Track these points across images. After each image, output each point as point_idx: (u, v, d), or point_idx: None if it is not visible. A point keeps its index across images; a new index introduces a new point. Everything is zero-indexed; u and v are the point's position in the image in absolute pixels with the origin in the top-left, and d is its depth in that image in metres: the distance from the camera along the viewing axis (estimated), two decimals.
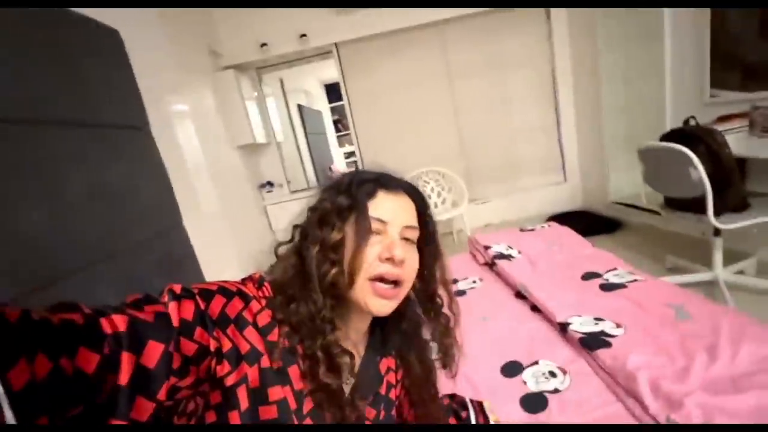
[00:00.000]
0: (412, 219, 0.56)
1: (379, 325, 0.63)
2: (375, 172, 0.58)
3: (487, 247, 1.64)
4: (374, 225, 0.52)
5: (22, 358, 0.26)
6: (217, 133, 2.72)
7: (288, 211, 3.26)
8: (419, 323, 0.64)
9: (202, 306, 0.41)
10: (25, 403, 0.26)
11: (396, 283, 0.53)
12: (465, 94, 3.37)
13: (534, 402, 0.88)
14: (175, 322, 0.38)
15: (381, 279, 0.52)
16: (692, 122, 1.82)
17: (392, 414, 0.64)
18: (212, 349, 0.41)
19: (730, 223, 1.62)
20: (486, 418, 0.77)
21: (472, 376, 0.99)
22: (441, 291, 0.63)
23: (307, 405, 0.49)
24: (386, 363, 0.64)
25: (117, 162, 1.31)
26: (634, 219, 2.89)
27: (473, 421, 0.77)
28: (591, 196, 3.38)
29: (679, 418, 0.70)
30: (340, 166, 5.43)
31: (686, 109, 2.19)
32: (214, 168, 2.40)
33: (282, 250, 0.59)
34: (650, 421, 0.74)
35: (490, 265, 1.60)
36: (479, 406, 0.80)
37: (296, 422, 0.47)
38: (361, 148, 3.49)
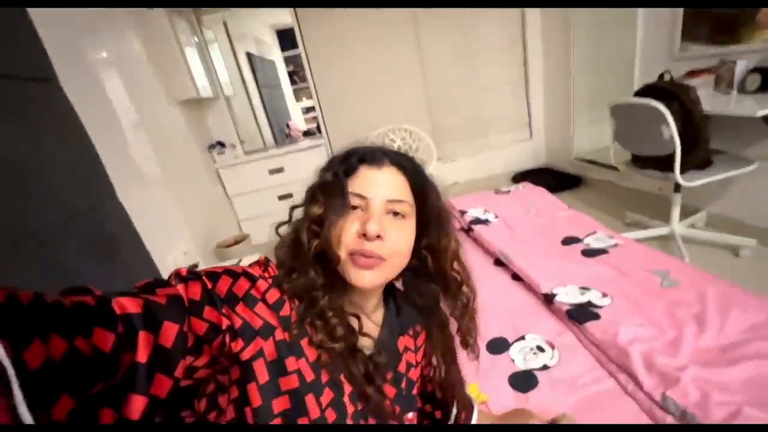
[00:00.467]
0: (398, 192, 0.53)
1: (394, 302, 0.62)
2: (369, 147, 0.56)
3: (462, 212, 1.56)
4: (355, 200, 0.51)
5: (36, 339, 0.27)
6: (153, 87, 2.33)
7: (244, 175, 2.98)
8: (436, 298, 0.63)
9: (209, 286, 0.43)
10: (42, 382, 0.27)
11: (378, 257, 0.51)
12: (432, 48, 3.14)
13: (523, 380, 0.84)
14: (185, 303, 0.39)
15: (361, 254, 0.51)
16: (667, 77, 1.79)
17: (413, 394, 0.63)
18: (223, 327, 0.42)
19: (694, 181, 1.65)
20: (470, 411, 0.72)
21: (457, 354, 0.93)
22: (457, 266, 0.60)
23: (324, 376, 0.50)
24: (404, 341, 0.63)
25: (18, 124, 1.04)
26: (595, 175, 2.95)
27: (453, 412, 0.71)
28: (555, 153, 3.40)
29: (675, 395, 0.68)
30: (298, 122, 5.06)
31: (656, 63, 2.16)
32: (151, 128, 2.07)
33: (282, 229, 0.58)
34: (644, 399, 0.72)
35: (467, 230, 1.54)
36: (465, 418, 0.73)
37: (315, 393, 0.48)
38: (321, 103, 3.21)
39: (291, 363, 0.47)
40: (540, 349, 0.91)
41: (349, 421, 0.50)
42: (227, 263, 2.08)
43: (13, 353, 0.25)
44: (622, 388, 0.77)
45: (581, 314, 0.92)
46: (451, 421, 0.72)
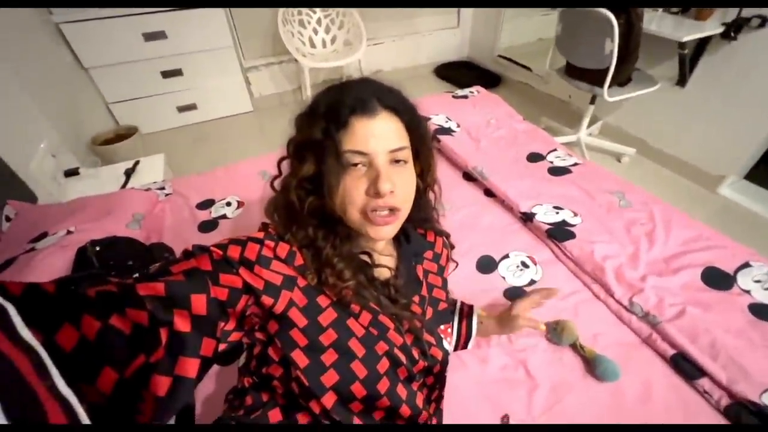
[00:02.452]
0: (398, 139, 0.52)
1: (402, 233, 0.63)
2: (352, 87, 0.53)
3: (426, 119, 1.46)
4: (355, 158, 0.50)
5: (66, 323, 0.29)
6: None
7: (106, 38, 2.13)
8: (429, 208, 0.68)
9: (219, 254, 0.45)
10: (81, 360, 0.29)
11: (392, 209, 0.52)
12: None
13: (515, 294, 0.94)
14: (202, 274, 0.42)
15: (374, 210, 0.51)
16: None
17: (440, 309, 0.67)
18: (240, 286, 0.44)
19: (614, 96, 1.84)
20: (469, 323, 0.79)
21: (451, 277, 0.97)
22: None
23: (355, 306, 0.52)
24: (422, 267, 0.67)
25: None
26: (514, 76, 3.05)
27: (455, 323, 0.79)
28: (478, 47, 3.33)
29: (640, 301, 0.86)
30: None
31: None
32: None
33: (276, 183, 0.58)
34: (614, 304, 0.89)
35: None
36: (468, 309, 0.81)
37: (354, 317, 0.52)
38: None
39: (323, 300, 0.50)
40: (524, 265, 1.01)
41: (390, 336, 0.53)
42: (118, 168, 1.62)
43: (45, 338, 0.26)
44: (596, 296, 0.93)
45: (560, 233, 1.02)
46: (458, 305, 0.81)
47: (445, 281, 0.71)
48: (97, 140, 1.92)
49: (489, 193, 1.24)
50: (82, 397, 0.27)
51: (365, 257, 0.57)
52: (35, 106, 1.54)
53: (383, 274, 0.59)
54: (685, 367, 0.76)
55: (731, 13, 1.65)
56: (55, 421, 0.24)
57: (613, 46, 1.65)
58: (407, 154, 0.53)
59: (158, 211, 1.21)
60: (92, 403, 0.28)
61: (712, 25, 1.69)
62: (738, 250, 0.94)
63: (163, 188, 1.32)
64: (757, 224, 1.77)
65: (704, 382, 0.74)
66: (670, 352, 0.78)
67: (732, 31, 1.64)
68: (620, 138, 2.26)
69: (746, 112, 1.74)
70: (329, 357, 0.49)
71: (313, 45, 2.71)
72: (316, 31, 2.69)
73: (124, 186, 1.53)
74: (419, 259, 0.67)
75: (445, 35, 3.27)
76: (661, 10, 1.89)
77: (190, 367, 0.36)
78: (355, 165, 0.50)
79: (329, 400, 0.49)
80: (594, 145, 2.24)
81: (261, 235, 0.50)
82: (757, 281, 0.87)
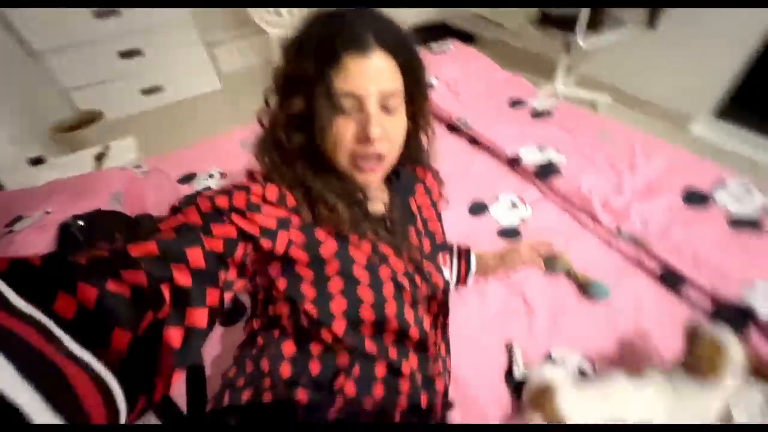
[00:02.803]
0: (391, 82, 0.49)
1: (392, 171, 0.61)
2: (346, 18, 0.48)
3: None
4: (346, 101, 0.48)
5: (60, 292, 0.27)
6: None
7: (53, 17, 1.97)
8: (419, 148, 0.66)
9: (207, 206, 0.43)
10: (84, 327, 0.27)
11: (379, 157, 0.52)
12: None
13: (509, 233, 0.97)
14: (193, 228, 0.41)
15: (363, 157, 0.51)
16: None
17: (437, 242, 0.67)
18: (235, 235, 0.43)
19: (589, 42, 1.85)
20: (467, 259, 0.82)
21: (444, 221, 0.99)
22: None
23: (354, 238, 0.52)
24: (416, 201, 0.67)
25: None
26: (487, 34, 3.01)
27: (454, 261, 0.81)
28: (448, 9, 3.25)
29: (626, 226, 0.89)
30: None
31: None
32: None
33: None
34: (603, 232, 0.92)
35: None
36: (465, 248, 0.83)
37: (354, 246, 0.52)
38: None
39: (321, 234, 0.50)
40: (514, 205, 1.03)
41: (392, 263, 0.54)
42: (86, 154, 1.54)
43: (42, 310, 0.25)
44: (585, 227, 0.96)
45: (546, 172, 1.05)
46: (455, 246, 0.83)
47: (439, 214, 0.72)
48: (60, 128, 1.81)
49: (474, 141, 1.24)
50: (98, 357, 0.26)
51: (358, 193, 0.56)
52: None
53: (377, 209, 0.59)
54: (670, 279, 0.81)
55: None
56: (78, 381, 0.24)
57: None
58: (398, 101, 0.52)
59: (138, 189, 1.16)
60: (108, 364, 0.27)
61: None
62: (713, 171, 0.98)
63: (140, 166, 1.27)
64: (728, 158, 1.85)
65: (690, 292, 0.78)
66: (658, 269, 0.83)
67: None
68: (596, 87, 2.29)
69: (716, 49, 1.78)
70: (335, 285, 0.49)
71: (279, 14, 2.59)
72: None
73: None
74: (411, 192, 0.68)
75: None
76: None
77: (199, 316, 0.36)
78: (346, 109, 0.48)
79: (339, 326, 0.49)
80: (571, 96, 2.26)
81: (246, 182, 0.49)
82: (733, 197, 0.92)
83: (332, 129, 0.49)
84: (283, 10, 2.59)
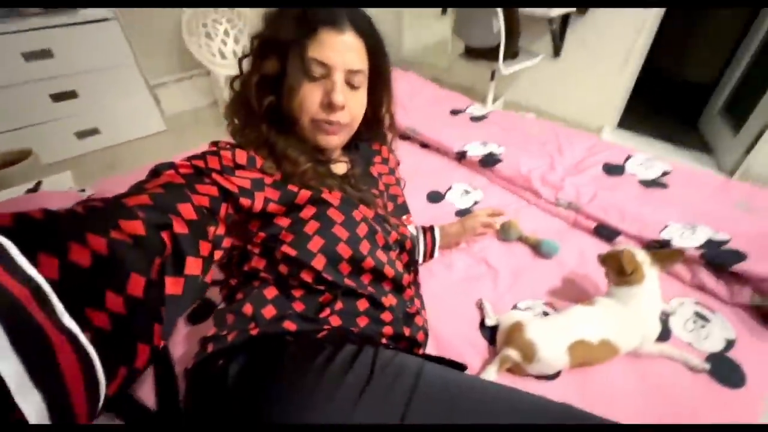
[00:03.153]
0: (358, 61, 0.54)
1: (350, 142, 0.65)
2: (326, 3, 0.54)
3: None
4: (316, 69, 0.52)
5: (72, 242, 0.27)
6: None
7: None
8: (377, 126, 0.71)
9: (187, 168, 0.45)
10: (104, 272, 0.28)
11: (340, 124, 0.56)
12: None
13: (464, 214, 1.05)
14: (180, 185, 0.42)
15: (326, 122, 0.55)
16: None
17: (399, 203, 0.73)
18: (217, 194, 0.45)
19: (509, 68, 2.14)
20: (432, 234, 0.88)
21: None
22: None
23: (325, 189, 0.55)
24: (376, 169, 0.71)
25: None
26: (421, 73, 3.32)
27: (421, 240, 0.87)
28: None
29: (562, 195, 1.02)
30: None
31: None
32: None
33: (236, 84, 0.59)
34: (544, 203, 1.04)
35: None
36: (430, 228, 0.90)
37: (327, 193, 0.54)
38: None
39: (294, 187, 0.52)
40: (467, 191, 1.13)
41: (362, 209, 0.57)
42: (16, 191, 1.42)
43: (59, 259, 0.25)
44: (528, 201, 1.08)
45: (489, 161, 1.17)
46: (421, 231, 0.87)
47: (398, 181, 0.77)
48: None
49: (424, 145, 1.36)
50: (88, 323, 0.26)
51: (319, 155, 0.59)
52: None
53: (340, 169, 0.63)
54: (604, 232, 0.93)
55: None
56: (63, 353, 0.24)
57: (500, 25, 1.94)
58: (362, 80, 0.56)
59: None
60: (99, 329, 0.27)
61: None
62: (622, 149, 1.18)
63: (83, 190, 1.20)
64: None
65: (621, 240, 0.90)
66: (592, 226, 0.95)
67: (581, 6, 2.03)
68: (520, 109, 2.61)
69: (606, 71, 2.16)
70: (311, 227, 0.51)
71: (223, 56, 2.68)
72: (225, 42, 2.67)
73: None
74: (370, 162, 0.72)
75: None
76: None
77: (196, 265, 0.37)
78: (316, 75, 0.52)
79: (319, 262, 0.51)
80: None
81: (214, 148, 0.50)
82: (640, 164, 1.10)
83: (300, 92, 0.52)
84: (228, 52, 2.69)
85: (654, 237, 0.86)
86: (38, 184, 1.50)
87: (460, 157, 1.23)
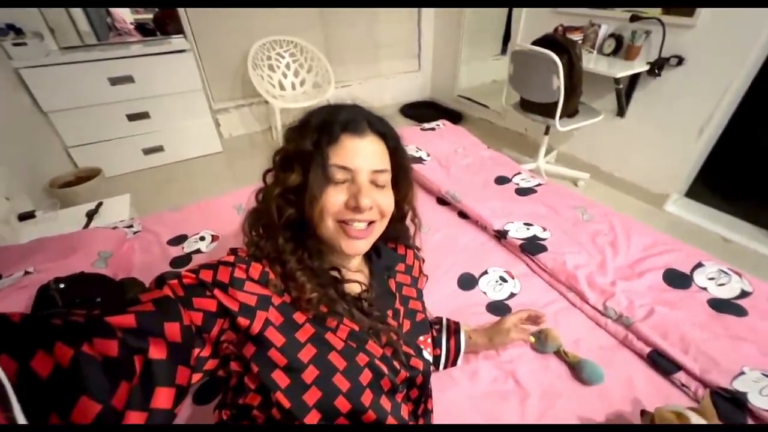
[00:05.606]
0: (381, 162, 0.55)
1: (372, 249, 0.63)
2: (345, 108, 0.56)
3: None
4: (339, 173, 0.52)
5: (39, 350, 0.28)
6: None
7: (65, 81, 2.11)
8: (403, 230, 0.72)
9: (191, 278, 0.45)
10: (56, 388, 0.28)
11: (369, 223, 0.55)
12: None
13: (497, 308, 0.97)
14: (174, 301, 0.41)
15: (351, 223, 0.54)
16: (560, 29, 2.01)
17: (417, 320, 0.67)
18: (215, 309, 0.44)
19: (565, 127, 2.02)
20: (457, 339, 0.80)
21: (434, 294, 0.99)
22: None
23: (332, 322, 0.52)
24: (395, 281, 0.68)
25: None
26: (474, 113, 3.28)
27: (443, 340, 0.80)
28: (439, 88, 3.58)
29: (612, 304, 0.91)
30: (122, 11, 3.75)
31: (539, 14, 2.40)
32: None
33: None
34: (590, 309, 0.93)
35: None
36: (455, 326, 0.82)
37: (332, 332, 0.51)
38: None
39: (299, 317, 0.50)
40: (503, 279, 1.04)
41: (369, 348, 0.53)
42: (78, 210, 1.54)
43: (19, 364, 0.26)
44: (572, 304, 0.97)
45: (532, 247, 1.08)
46: (444, 321, 0.82)
47: (419, 292, 0.72)
48: (56, 183, 1.83)
49: (463, 215, 1.29)
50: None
51: (334, 273, 0.57)
52: None
53: (353, 289, 0.60)
54: (661, 362, 0.80)
55: (653, 54, 1.91)
56: None
57: (560, 83, 1.84)
58: (387, 179, 0.57)
59: (126, 249, 1.15)
60: None
61: (639, 64, 1.94)
62: (691, 252, 1.03)
63: (131, 226, 1.27)
64: (701, 236, 1.94)
65: (680, 375, 0.77)
66: (646, 350, 0.82)
67: (656, 68, 1.88)
68: (575, 164, 2.45)
69: (678, 137, 1.97)
70: (310, 374, 0.47)
71: (282, 88, 2.80)
72: (285, 75, 2.80)
73: (86, 227, 1.45)
74: (391, 272, 0.69)
75: (408, 78, 3.50)
76: (596, 52, 2.14)
77: (165, 397, 0.36)
78: (339, 180, 0.53)
79: (312, 418, 0.47)
80: (552, 172, 2.41)
81: (232, 258, 0.50)
82: (711, 278, 0.95)
83: (322, 197, 0.52)
84: (287, 84, 2.81)
85: (723, 384, 0.72)
86: (99, 204, 1.62)
87: (500, 236, 1.15)
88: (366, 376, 0.51)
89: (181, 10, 2.46)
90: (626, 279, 0.98)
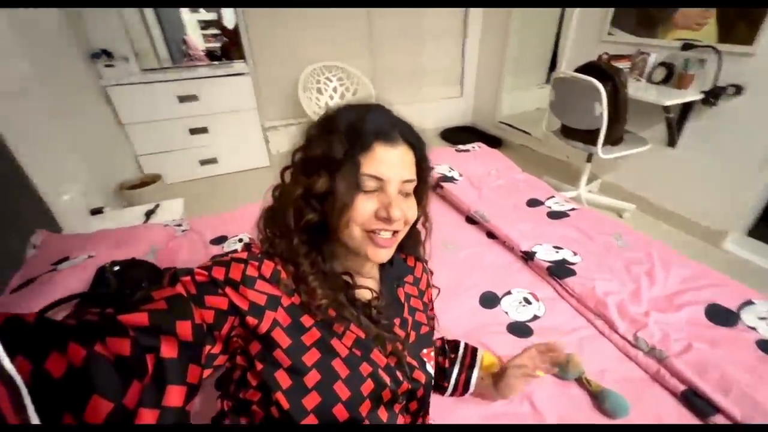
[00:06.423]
0: (410, 172, 0.55)
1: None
2: (372, 111, 0.54)
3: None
4: (370, 183, 0.51)
5: (53, 351, 0.28)
6: None
7: (141, 98, 2.40)
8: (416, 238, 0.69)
9: (204, 276, 0.45)
10: (69, 388, 0.29)
11: (393, 233, 0.54)
12: None
13: (519, 329, 0.94)
14: (186, 299, 0.41)
15: (379, 232, 0.53)
16: (604, 57, 1.99)
17: (422, 333, 0.66)
18: (226, 307, 0.44)
19: (609, 154, 1.96)
20: (468, 378, 0.76)
21: (454, 311, 0.99)
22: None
23: (339, 327, 0.52)
24: (403, 291, 0.67)
25: None
26: (515, 139, 3.25)
27: (457, 364, 0.77)
28: (480, 114, 3.60)
29: (644, 335, 0.85)
30: (196, 39, 4.20)
31: (585, 43, 2.39)
32: (15, 18, 1.47)
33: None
34: (619, 339, 0.88)
35: (433, 186, 1.55)
36: (472, 352, 0.80)
37: (338, 338, 0.51)
38: (248, 23, 2.71)
39: (307, 320, 0.50)
40: (527, 301, 1.01)
41: (374, 357, 0.53)
42: (139, 210, 1.72)
43: (34, 366, 0.27)
44: (600, 332, 0.92)
45: (560, 270, 1.04)
46: (461, 351, 0.79)
47: (425, 305, 0.71)
48: (124, 186, 2.06)
49: (491, 235, 1.28)
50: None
51: (347, 277, 0.57)
52: (75, 153, 1.70)
53: (364, 295, 0.59)
54: (697, 403, 0.73)
55: (708, 82, 1.82)
56: None
57: (602, 109, 1.80)
58: (412, 188, 0.56)
59: (174, 245, 1.27)
60: None
61: (692, 93, 1.85)
62: (738, 289, 0.94)
63: (180, 225, 1.39)
64: (765, 278, 1.75)
65: (717, 418, 0.70)
66: (680, 387, 0.76)
67: (711, 97, 1.79)
68: (620, 195, 2.34)
69: (738, 170, 1.82)
70: (312, 378, 0.48)
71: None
72: (332, 97, 2.98)
73: (143, 224, 1.61)
74: (400, 282, 0.68)
75: (450, 103, 3.57)
76: (645, 80, 2.08)
77: (176, 395, 0.36)
78: (370, 189, 0.51)
79: (309, 423, 0.47)
80: (594, 201, 2.31)
81: (245, 254, 0.49)
82: (762, 318, 0.86)
83: (353, 205, 0.50)
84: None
85: None
86: (157, 206, 1.80)
87: (527, 257, 1.12)
88: (368, 387, 0.51)
89: (244, 39, 2.74)
90: (662, 311, 0.91)
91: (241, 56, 2.79)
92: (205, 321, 0.42)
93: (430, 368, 0.64)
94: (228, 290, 0.45)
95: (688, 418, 0.73)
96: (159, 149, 2.61)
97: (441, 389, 0.77)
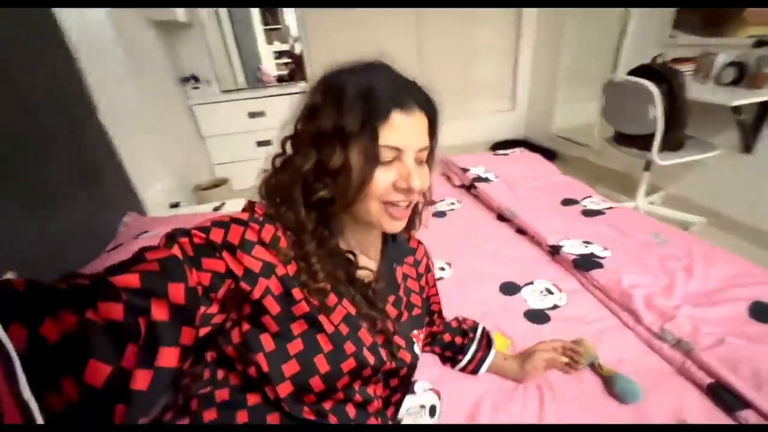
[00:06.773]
0: (425, 139, 0.52)
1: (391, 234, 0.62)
2: (379, 73, 0.51)
3: (465, 170, 1.61)
4: (389, 154, 0.49)
5: (47, 317, 0.28)
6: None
7: (219, 114, 2.78)
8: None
9: (201, 238, 0.43)
10: (64, 354, 0.29)
11: (409, 204, 0.53)
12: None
13: (537, 316, 0.94)
14: (182, 261, 0.40)
15: (396, 205, 0.51)
16: (660, 59, 1.89)
17: (414, 314, 0.66)
18: (223, 270, 0.43)
19: (667, 161, 1.82)
20: (489, 345, 0.80)
21: (472, 295, 1.01)
22: None
23: (331, 300, 0.51)
24: (403, 270, 0.67)
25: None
26: (570, 152, 3.13)
27: (474, 344, 0.80)
28: (533, 127, 3.53)
29: (671, 327, 0.80)
30: (270, 68, 4.72)
31: (645, 47, 2.28)
32: (127, 47, 1.84)
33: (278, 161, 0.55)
34: (644, 331, 0.84)
35: (468, 187, 1.59)
36: (488, 336, 0.82)
37: (326, 314, 0.50)
38: (310, 46, 3.02)
39: (297, 293, 0.48)
40: (549, 291, 1.00)
41: (360, 335, 0.52)
42: (208, 206, 1.99)
43: (29, 330, 0.27)
44: (624, 323, 0.88)
45: (586, 263, 1.02)
46: (475, 343, 0.80)
47: (422, 288, 0.71)
48: (198, 187, 2.39)
49: (521, 232, 1.28)
50: (45, 403, 0.27)
51: (350, 256, 0.55)
52: (163, 158, 2.04)
53: (364, 274, 0.58)
54: (725, 397, 0.68)
55: None
56: (11, 422, 0.24)
57: (657, 112, 1.70)
58: (426, 156, 0.53)
59: None
60: (53, 413, 0.28)
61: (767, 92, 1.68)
62: None
63: None
64: None
65: (748, 414, 0.64)
66: (707, 380, 0.71)
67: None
68: (688, 207, 2.13)
69: None
70: (295, 346, 0.48)
71: None
72: None
73: None
74: (400, 262, 0.67)
75: (501, 117, 3.56)
76: (712, 82, 1.92)
77: (169, 356, 0.36)
78: (388, 159, 0.49)
79: (284, 389, 0.47)
80: (655, 213, 2.13)
81: (246, 216, 0.48)
82: None
83: (371, 178, 0.48)
84: None
85: None
86: (223, 203, 2.06)
87: (554, 252, 1.11)
88: (349, 365, 0.50)
89: (307, 62, 3.05)
90: (697, 305, 0.85)
91: (303, 77, 3.10)
92: (201, 283, 0.41)
93: (418, 349, 0.64)
94: (225, 254, 0.43)
95: (713, 411, 0.67)
96: (231, 159, 2.97)
97: (455, 362, 0.80)
